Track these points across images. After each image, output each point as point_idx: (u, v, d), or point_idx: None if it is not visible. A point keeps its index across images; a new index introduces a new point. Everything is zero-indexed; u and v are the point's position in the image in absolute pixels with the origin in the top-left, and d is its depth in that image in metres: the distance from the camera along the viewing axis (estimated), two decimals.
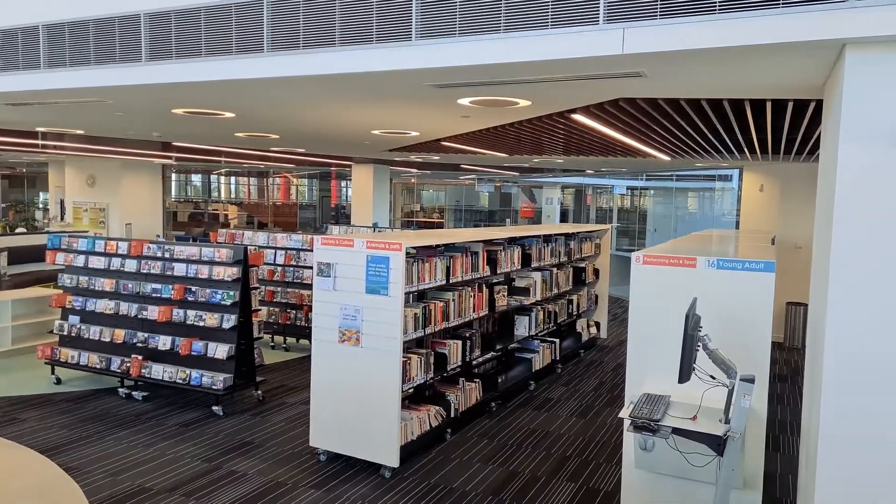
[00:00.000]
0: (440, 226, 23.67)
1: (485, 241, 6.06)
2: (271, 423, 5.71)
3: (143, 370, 6.13)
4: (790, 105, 4.50)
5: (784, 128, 5.64)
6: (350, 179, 14.85)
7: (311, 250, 7.93)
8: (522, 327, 6.93)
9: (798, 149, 7.36)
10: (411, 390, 5.11)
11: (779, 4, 2.73)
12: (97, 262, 6.55)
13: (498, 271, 6.25)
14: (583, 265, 8.61)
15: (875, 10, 2.58)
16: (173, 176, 23.11)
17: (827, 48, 2.85)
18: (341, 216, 21.72)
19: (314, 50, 3.74)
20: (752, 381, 3.13)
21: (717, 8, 2.83)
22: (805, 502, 3.39)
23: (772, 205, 9.87)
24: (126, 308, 6.32)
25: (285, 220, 22.42)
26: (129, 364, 6.19)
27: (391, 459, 4.64)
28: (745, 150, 7.60)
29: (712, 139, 6.59)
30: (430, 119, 5.91)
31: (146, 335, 6.20)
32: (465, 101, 4.76)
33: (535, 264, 7.07)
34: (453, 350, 5.52)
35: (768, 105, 4.53)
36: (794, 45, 2.81)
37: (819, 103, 4.39)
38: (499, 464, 5.00)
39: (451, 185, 24.46)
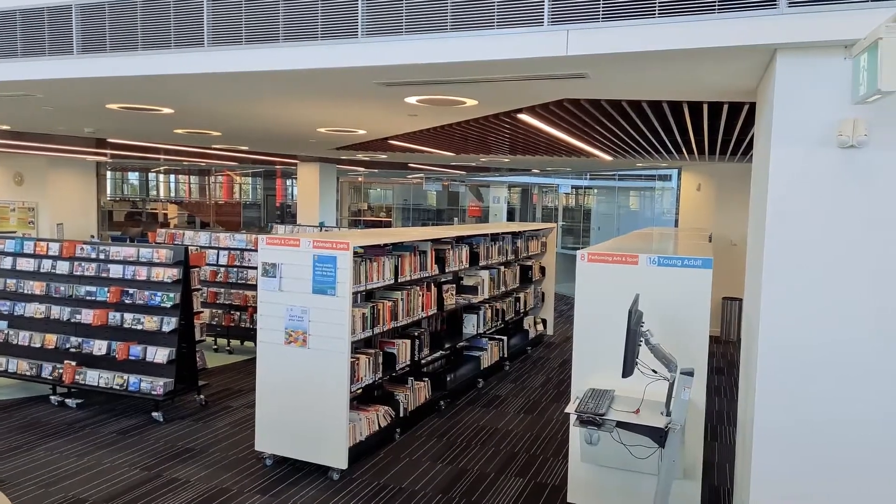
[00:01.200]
0: (388, 225, 23.58)
1: (433, 240, 6.06)
2: (214, 429, 5.56)
3: (76, 376, 5.87)
4: (725, 108, 4.68)
5: (720, 129, 5.86)
6: (296, 178, 14.61)
7: (256, 250, 7.76)
8: (471, 325, 6.97)
9: (733, 150, 7.66)
10: (360, 391, 5.07)
11: (714, 10, 2.83)
12: (26, 265, 6.23)
13: (446, 270, 6.26)
14: (529, 263, 8.73)
15: (804, 17, 2.71)
16: (108, 174, 22.20)
17: (759, 53, 2.97)
18: (287, 215, 21.34)
19: (257, 45, 3.66)
20: (691, 374, 3.24)
21: (657, 12, 2.91)
22: (742, 489, 3.54)
23: (709, 203, 10.24)
24: (58, 312, 6.03)
25: (228, 220, 21.86)
26: (61, 370, 5.91)
27: (339, 461, 4.59)
28: (684, 150, 7.86)
29: (652, 140, 6.79)
30: (378, 117, 5.88)
31: (80, 340, 5.94)
32: (412, 100, 4.75)
33: (482, 263, 7.12)
34: (402, 349, 5.50)
35: (705, 107, 4.69)
36: (728, 50, 2.92)
37: (752, 106, 4.58)
38: (448, 462, 5.01)
39: (399, 183, 24.39)
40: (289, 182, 23.21)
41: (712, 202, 10.16)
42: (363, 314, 4.85)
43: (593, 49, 3.03)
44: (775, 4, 2.74)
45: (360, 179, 23.32)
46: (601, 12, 3.01)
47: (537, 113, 5.15)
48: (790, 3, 2.71)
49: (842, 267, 2.86)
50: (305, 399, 4.65)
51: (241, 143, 9.38)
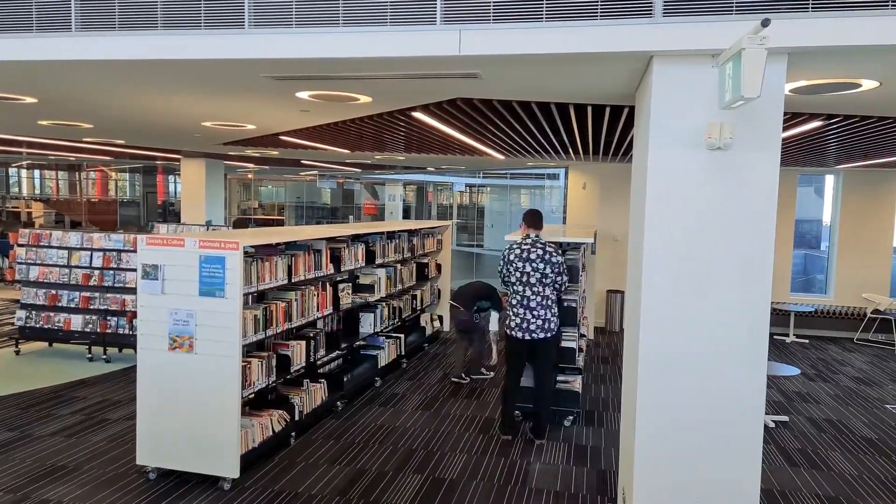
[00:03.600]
0: (280, 223, 22.87)
1: (328, 239, 5.95)
2: (91, 444, 5.15)
3: None
4: (608, 110, 4.93)
5: (603, 131, 6.17)
6: (179, 174, 13.81)
7: (135, 251, 7.26)
8: (368, 324, 6.91)
9: (615, 150, 8.10)
10: (252, 395, 4.88)
11: (597, 17, 2.97)
12: None
13: (342, 269, 6.17)
14: (426, 261, 8.78)
15: (676, 27, 2.91)
16: None
17: (637, 59, 3.16)
18: (169, 214, 20.16)
19: (133, 32, 3.42)
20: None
21: (545, 17, 3.01)
22: (626, 469, 3.74)
23: (593, 201, 10.77)
24: None
25: (104, 219, 20.31)
26: None
27: (231, 470, 4.40)
28: (570, 150, 8.22)
29: (542, 140, 7.03)
30: (267, 112, 5.67)
31: None
32: (304, 95, 4.63)
33: (379, 261, 7.08)
34: (297, 351, 5.36)
35: (589, 109, 4.92)
36: (609, 55, 3.07)
37: (632, 109, 4.85)
38: (346, 463, 4.94)
39: (292, 181, 23.72)
40: (171, 178, 21.94)
41: (596, 200, 10.70)
42: (255, 316, 4.67)
43: (485, 50, 3.09)
44: (651, 14, 2.91)
45: (249, 176, 22.44)
46: (492, 14, 3.07)
47: (431, 111, 5.18)
48: (664, 13, 2.90)
49: (712, 257, 3.10)
50: (193, 407, 4.41)
51: (116, 136, 8.73)
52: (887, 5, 2.70)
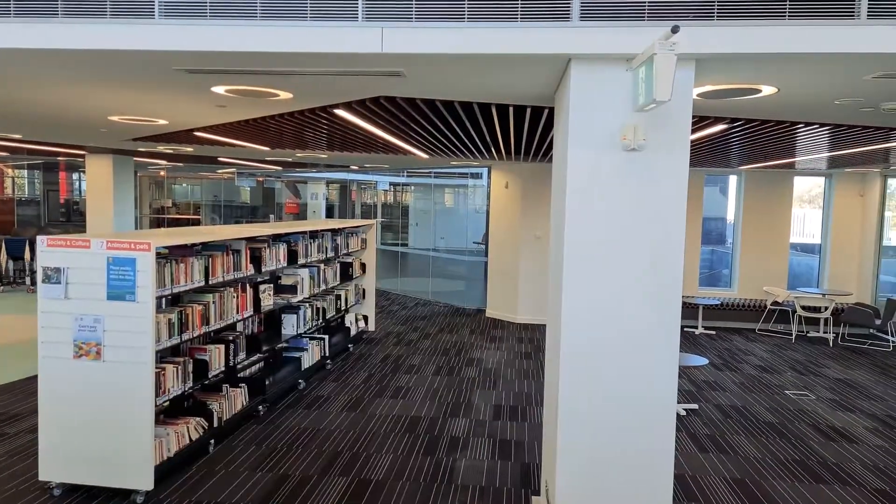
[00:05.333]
0: (197, 223, 21.99)
1: (247, 239, 5.76)
2: None
3: None
4: (529, 111, 5.03)
5: (524, 131, 6.29)
6: (84, 171, 13.01)
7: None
8: (290, 326, 6.76)
9: (535, 151, 8.29)
10: (167, 403, 4.66)
11: (517, 19, 3.02)
12: None
13: (263, 270, 6.00)
14: (350, 260, 8.68)
15: (593, 31, 3.00)
16: None
17: (556, 61, 3.23)
18: (74, 213, 18.98)
19: (31, 19, 3.18)
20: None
21: (466, 17, 3.03)
22: (549, 462, 3.83)
23: (516, 200, 10.98)
24: None
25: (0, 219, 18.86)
26: None
27: (144, 482, 4.18)
28: (493, 150, 8.33)
29: (465, 139, 7.10)
30: (181, 107, 5.43)
31: None
32: (220, 90, 4.46)
33: (301, 261, 6.93)
34: (215, 355, 5.17)
35: (511, 110, 5.00)
36: (529, 57, 3.13)
37: (552, 110, 4.97)
38: (268, 469, 4.81)
39: (209, 179, 22.86)
40: (76, 176, 20.65)
41: (518, 199, 10.91)
42: (169, 320, 4.47)
43: (407, 48, 3.08)
44: (569, 17, 2.99)
45: (162, 174, 21.44)
46: (414, 12, 3.06)
47: (354, 109, 5.12)
48: (582, 17, 2.98)
49: (628, 253, 3.22)
50: (101, 417, 4.17)
51: (12, 130, 8.12)
52: (784, 16, 2.89)
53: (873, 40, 2.85)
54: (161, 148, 10.02)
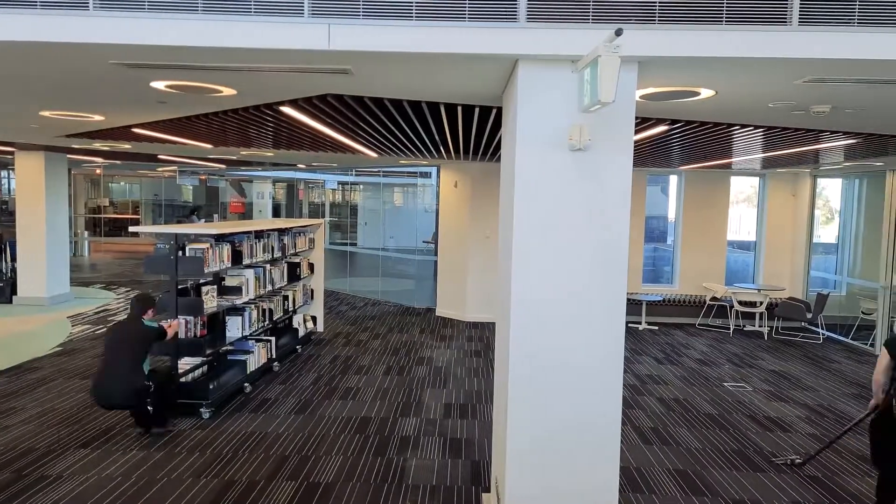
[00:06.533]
0: (136, 223, 21.22)
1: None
2: None
3: None
4: (477, 111, 5.05)
5: (472, 131, 6.32)
6: (13, 169, 12.36)
7: None
8: (235, 328, 6.60)
9: (484, 150, 8.34)
10: None
11: (465, 18, 3.02)
12: None
13: (206, 270, 5.83)
14: (297, 260, 8.53)
15: (539, 32, 3.03)
16: None
17: (503, 61, 3.25)
18: (3, 212, 18.03)
19: None
20: None
21: (414, 15, 3.02)
22: (499, 459, 3.86)
23: (465, 199, 11.02)
24: None
25: None
26: None
27: None
28: (442, 149, 8.34)
29: (414, 138, 7.07)
30: (118, 102, 5.22)
31: None
32: (159, 85, 4.31)
33: (246, 261, 6.77)
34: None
35: (459, 109, 5.01)
36: (476, 57, 3.14)
37: (500, 111, 5.01)
38: (213, 475, 4.68)
39: (148, 177, 22.09)
40: (4, 173, 19.62)
41: (467, 198, 10.95)
42: None
43: (354, 46, 3.04)
44: (516, 18, 3.02)
45: (98, 172, 20.60)
46: (361, 10, 3.03)
47: (300, 106, 5.03)
48: (528, 18, 3.01)
49: (575, 251, 3.27)
50: None
51: None
52: (721, 21, 2.99)
53: (803, 46, 2.98)
54: (97, 145, 9.61)
